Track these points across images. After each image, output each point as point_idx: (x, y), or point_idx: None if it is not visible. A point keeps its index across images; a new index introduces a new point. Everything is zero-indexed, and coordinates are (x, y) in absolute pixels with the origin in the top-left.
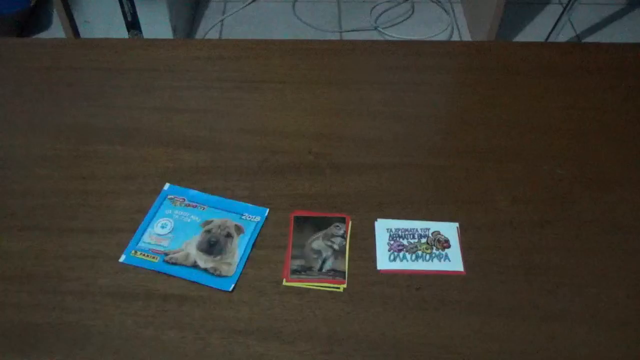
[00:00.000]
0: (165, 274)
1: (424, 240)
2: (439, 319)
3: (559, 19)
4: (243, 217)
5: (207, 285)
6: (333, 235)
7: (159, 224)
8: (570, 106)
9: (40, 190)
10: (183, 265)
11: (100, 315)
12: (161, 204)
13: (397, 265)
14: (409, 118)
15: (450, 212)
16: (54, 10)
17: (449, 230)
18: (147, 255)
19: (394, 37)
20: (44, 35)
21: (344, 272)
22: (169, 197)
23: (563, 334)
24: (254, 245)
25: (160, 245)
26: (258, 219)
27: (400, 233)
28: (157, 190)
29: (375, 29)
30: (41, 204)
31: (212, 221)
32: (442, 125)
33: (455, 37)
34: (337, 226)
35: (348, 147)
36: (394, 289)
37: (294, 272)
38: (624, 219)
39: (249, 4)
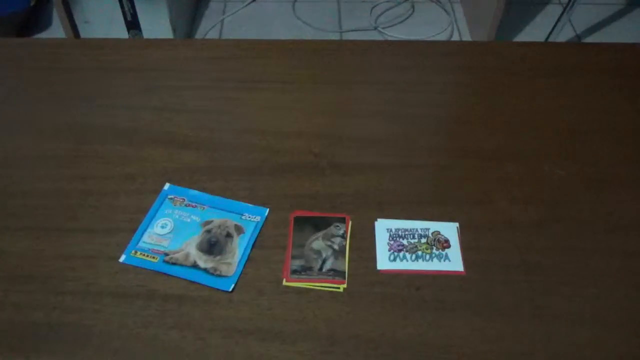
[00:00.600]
0: (165, 274)
1: (424, 240)
2: (439, 319)
3: (559, 19)
4: (243, 217)
5: (207, 285)
6: (333, 235)
7: (159, 224)
8: (570, 106)
9: (40, 190)
10: (183, 265)
11: (100, 315)
12: (161, 204)
13: (397, 265)
14: (409, 118)
15: (450, 212)
16: (54, 10)
17: (449, 230)
18: (147, 255)
19: (394, 37)
20: (44, 35)
21: (344, 272)
22: (169, 197)
23: (563, 334)
24: (254, 245)
25: (160, 245)
26: (258, 219)
27: (400, 233)
28: (157, 190)
29: (375, 29)
30: (41, 204)
31: (212, 221)
32: (442, 125)
33: (455, 37)
34: (337, 226)
35: (348, 147)
36: (394, 289)
37: (294, 272)
38: (624, 219)
39: (249, 4)
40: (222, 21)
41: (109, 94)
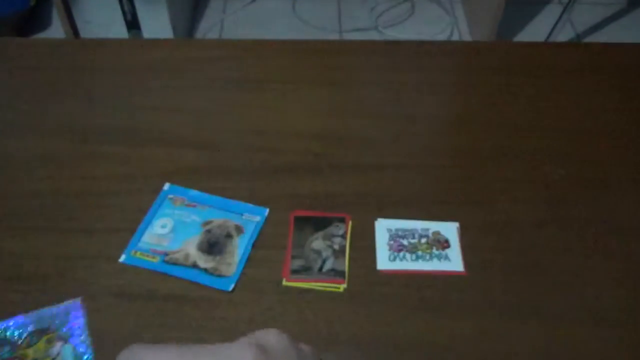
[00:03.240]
0: (165, 274)
1: (424, 240)
2: (439, 319)
3: (559, 19)
4: (243, 217)
5: (207, 285)
6: (333, 235)
7: (159, 224)
8: (570, 106)
9: (40, 190)
10: (183, 265)
11: (100, 315)
12: (161, 204)
13: (397, 265)
14: (409, 118)
15: (450, 212)
16: (54, 10)
17: (449, 230)
18: (147, 255)
19: (394, 37)
20: (44, 35)
21: (344, 272)
22: (169, 197)
23: (563, 334)
24: (254, 245)
25: (160, 245)
26: (258, 219)
27: (400, 233)
28: (157, 190)
29: (375, 28)
30: (41, 204)
31: (212, 221)
32: (442, 126)
33: (455, 37)
34: (337, 226)
35: (348, 147)
36: (394, 289)
37: (294, 272)
38: (624, 219)
39: (249, 4)
40: (222, 21)
41: (109, 94)
